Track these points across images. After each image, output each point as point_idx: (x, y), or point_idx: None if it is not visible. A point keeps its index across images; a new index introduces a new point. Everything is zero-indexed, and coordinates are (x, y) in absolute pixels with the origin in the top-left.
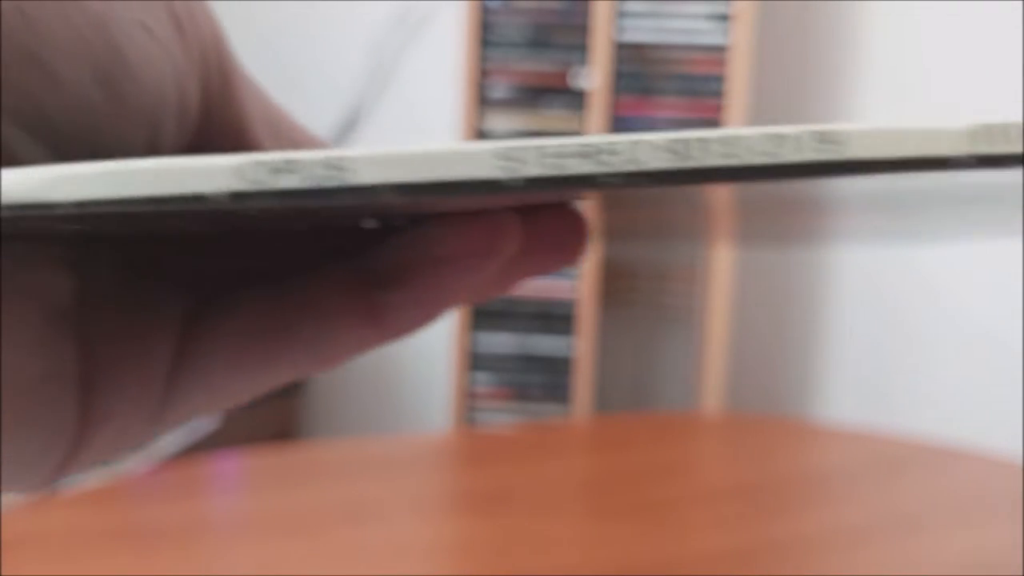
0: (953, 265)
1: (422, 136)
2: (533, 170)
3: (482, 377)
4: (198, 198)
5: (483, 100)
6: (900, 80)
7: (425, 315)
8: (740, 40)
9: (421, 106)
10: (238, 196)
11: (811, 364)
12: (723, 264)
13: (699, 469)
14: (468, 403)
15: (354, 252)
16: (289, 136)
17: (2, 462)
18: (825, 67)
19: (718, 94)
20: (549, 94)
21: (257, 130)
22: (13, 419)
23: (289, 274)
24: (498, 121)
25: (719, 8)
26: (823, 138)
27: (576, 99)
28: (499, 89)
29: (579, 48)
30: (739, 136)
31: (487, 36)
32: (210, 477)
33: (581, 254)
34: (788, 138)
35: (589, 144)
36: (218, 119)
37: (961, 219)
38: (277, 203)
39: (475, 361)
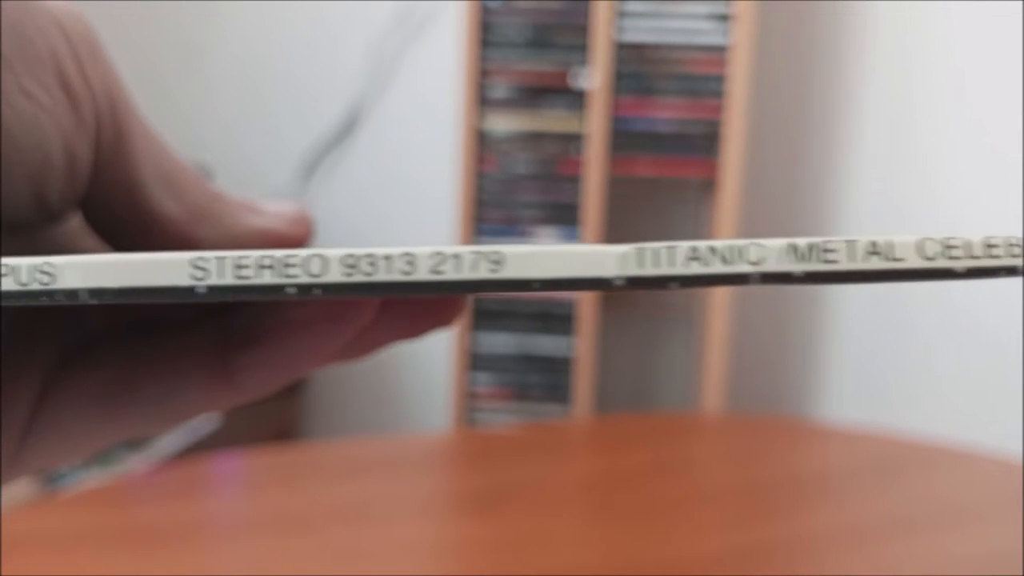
0: None
1: (422, 136)
2: (218, 280)
3: (482, 377)
4: None
5: (483, 100)
6: (900, 80)
7: (279, 377)
8: (740, 40)
9: (421, 106)
10: None
11: (811, 364)
12: None
13: (699, 469)
14: (468, 403)
15: (214, 311)
16: (184, 187)
17: None
18: (825, 67)
19: (718, 94)
20: (549, 94)
21: (149, 184)
22: None
23: (151, 331)
24: (498, 121)
25: (719, 8)
26: (486, 258)
27: (576, 99)
28: (499, 89)
29: (579, 48)
30: (412, 254)
31: (487, 36)
32: (210, 477)
33: (454, 318)
34: (455, 258)
35: (268, 256)
36: (110, 175)
37: None
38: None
39: (475, 361)
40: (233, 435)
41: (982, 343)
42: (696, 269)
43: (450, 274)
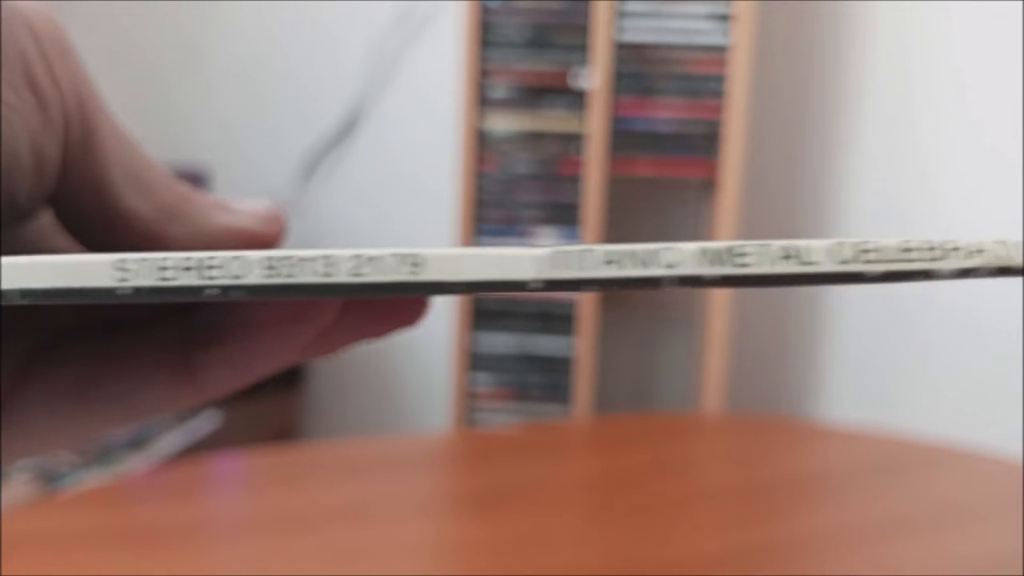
0: None
1: (422, 136)
2: (143, 281)
3: (482, 377)
4: None
5: (483, 100)
6: (900, 80)
7: (239, 376)
8: (740, 40)
9: (421, 106)
10: None
11: (811, 364)
12: None
13: (699, 469)
14: (468, 403)
15: (178, 310)
16: (154, 186)
17: None
18: (825, 67)
19: (718, 94)
20: (549, 94)
21: (118, 183)
22: None
23: (117, 329)
24: (498, 121)
25: (719, 8)
26: (404, 260)
27: (576, 99)
28: (499, 89)
29: (579, 48)
30: (332, 256)
31: (487, 36)
32: (210, 477)
33: (418, 318)
34: (374, 260)
35: (192, 258)
36: (78, 173)
37: None
38: None
39: (475, 361)
40: (233, 435)
41: (982, 343)
42: (612, 272)
43: (370, 276)
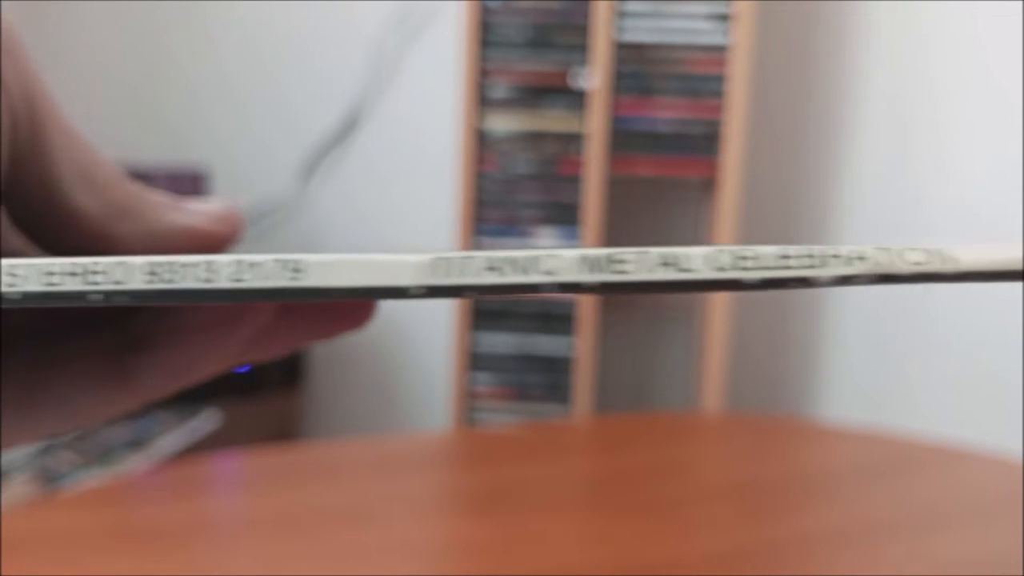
0: None
1: (422, 136)
2: (31, 286)
3: (482, 377)
4: None
5: (483, 100)
6: (900, 80)
7: (175, 380)
8: (740, 40)
9: (421, 106)
10: None
11: (811, 364)
12: None
13: (699, 469)
14: (468, 403)
15: (118, 314)
16: (103, 184)
17: None
18: (825, 67)
19: (718, 94)
20: (549, 94)
21: (67, 181)
22: None
23: (57, 335)
24: (498, 121)
25: (719, 8)
26: (285, 266)
27: (576, 99)
28: (499, 89)
29: (579, 48)
30: (213, 262)
31: (487, 36)
32: (210, 477)
33: (365, 321)
34: (255, 266)
35: (78, 263)
36: (26, 171)
37: None
38: None
39: (475, 361)
40: (233, 435)
41: (982, 343)
42: (492, 279)
43: (250, 282)
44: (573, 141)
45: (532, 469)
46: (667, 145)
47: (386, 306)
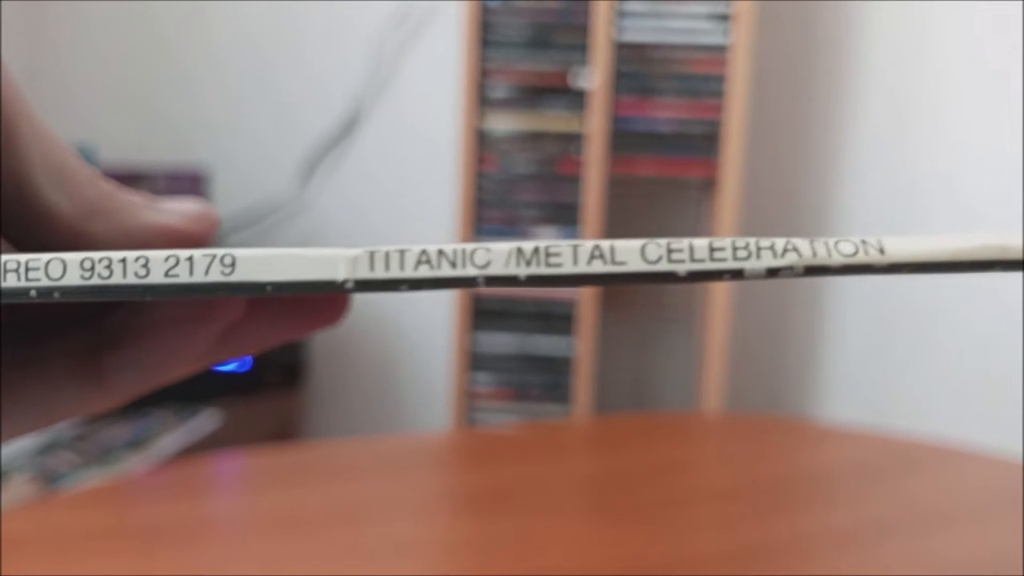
0: None
1: (422, 136)
2: None
3: (482, 377)
4: None
5: (483, 100)
6: (900, 80)
7: (147, 378)
8: (740, 40)
9: (421, 106)
10: None
11: (811, 364)
12: None
13: (699, 469)
14: (468, 403)
15: (93, 313)
16: (77, 183)
17: None
18: (825, 67)
19: (718, 94)
20: (549, 94)
21: (39, 180)
22: None
23: (30, 335)
24: (498, 121)
25: (719, 8)
26: (219, 261)
27: (576, 99)
28: (499, 89)
29: (579, 48)
30: (147, 258)
31: (487, 36)
32: (210, 477)
33: (339, 318)
34: (188, 260)
35: (20, 262)
36: None
37: None
38: None
39: (475, 361)
40: (233, 435)
41: (982, 343)
42: (425, 273)
43: (183, 277)
44: (573, 141)
45: (532, 469)
46: (667, 145)
47: (386, 306)
